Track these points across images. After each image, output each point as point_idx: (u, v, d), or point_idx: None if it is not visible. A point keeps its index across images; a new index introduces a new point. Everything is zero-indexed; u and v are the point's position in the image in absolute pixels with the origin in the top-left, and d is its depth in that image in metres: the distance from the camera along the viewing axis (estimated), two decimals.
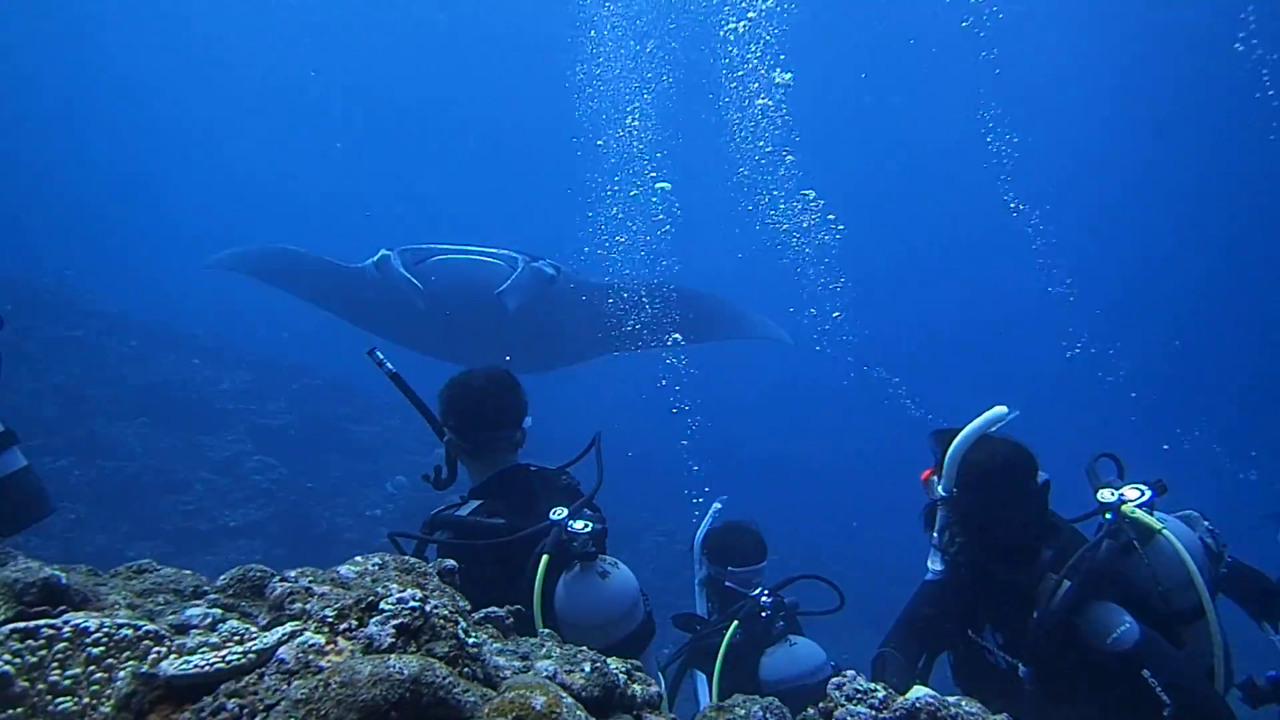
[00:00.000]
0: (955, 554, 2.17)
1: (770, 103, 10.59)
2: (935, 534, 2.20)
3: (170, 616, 1.50)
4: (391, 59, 28.37)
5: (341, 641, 1.17)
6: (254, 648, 1.16)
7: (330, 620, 1.20)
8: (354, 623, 1.20)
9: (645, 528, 12.51)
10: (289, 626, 1.20)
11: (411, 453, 13.23)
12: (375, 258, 7.38)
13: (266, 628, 1.42)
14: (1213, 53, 16.33)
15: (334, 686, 1.01)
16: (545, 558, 2.05)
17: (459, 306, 7.58)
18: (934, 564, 2.22)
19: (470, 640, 1.23)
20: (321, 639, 1.17)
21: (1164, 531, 2.17)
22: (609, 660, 1.46)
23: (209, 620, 1.49)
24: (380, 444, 13.16)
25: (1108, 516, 2.20)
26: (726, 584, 2.90)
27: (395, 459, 12.80)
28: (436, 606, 1.23)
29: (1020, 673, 2.12)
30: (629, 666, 1.50)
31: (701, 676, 2.77)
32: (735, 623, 2.59)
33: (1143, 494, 2.22)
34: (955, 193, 25.64)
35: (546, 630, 1.72)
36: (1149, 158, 23.03)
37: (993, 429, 2.19)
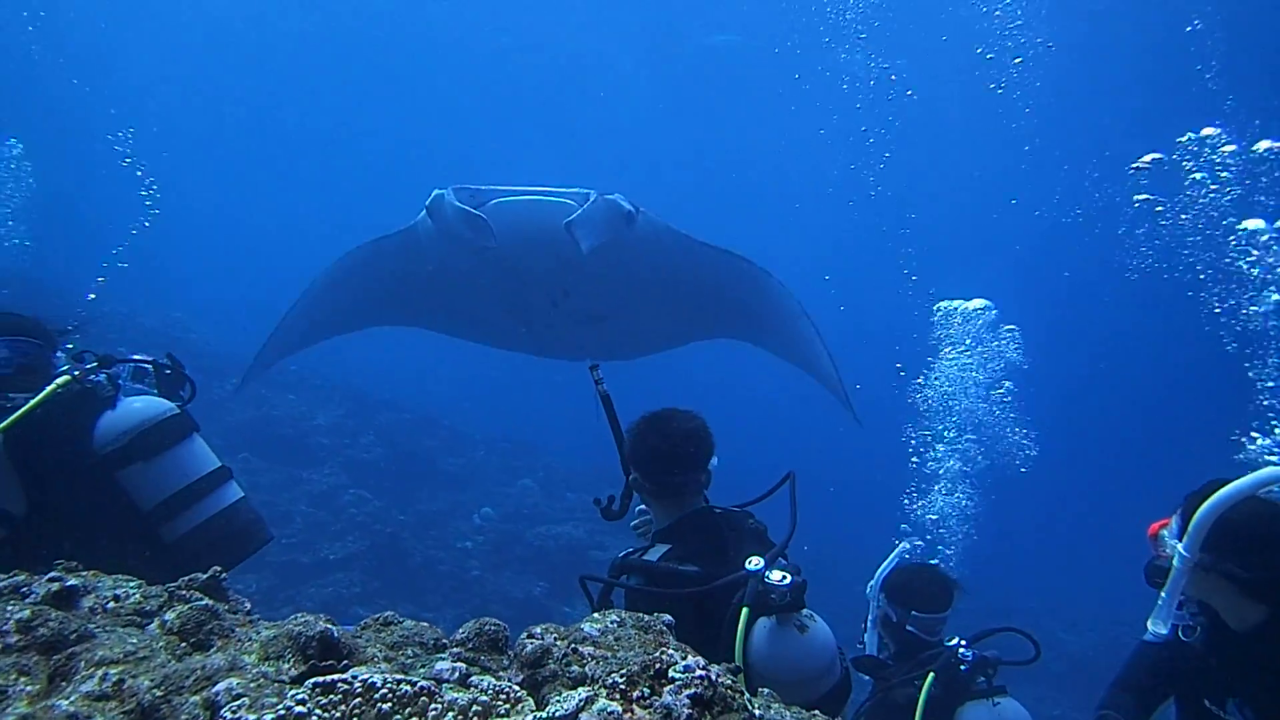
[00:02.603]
0: (1197, 625, 2.05)
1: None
2: (1165, 594, 2.07)
3: (422, 669, 1.54)
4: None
5: (638, 710, 1.17)
6: (556, 714, 1.17)
7: (622, 687, 1.21)
8: (646, 690, 1.20)
9: None
10: (582, 692, 1.21)
11: (498, 483, 13.47)
12: (427, 201, 5.95)
13: (526, 685, 1.44)
14: None
15: None
16: (745, 610, 2.03)
17: (526, 259, 6.10)
18: (1156, 626, 2.09)
19: (757, 711, 1.22)
20: (619, 707, 1.17)
21: None
22: None
23: (457, 675, 1.52)
24: (467, 476, 13.41)
25: None
26: (908, 628, 2.81)
27: (482, 490, 13.02)
28: (720, 674, 1.22)
29: None
30: None
31: None
32: (931, 675, 2.50)
33: None
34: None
35: (767, 690, 1.70)
36: None
37: (1261, 491, 1.99)
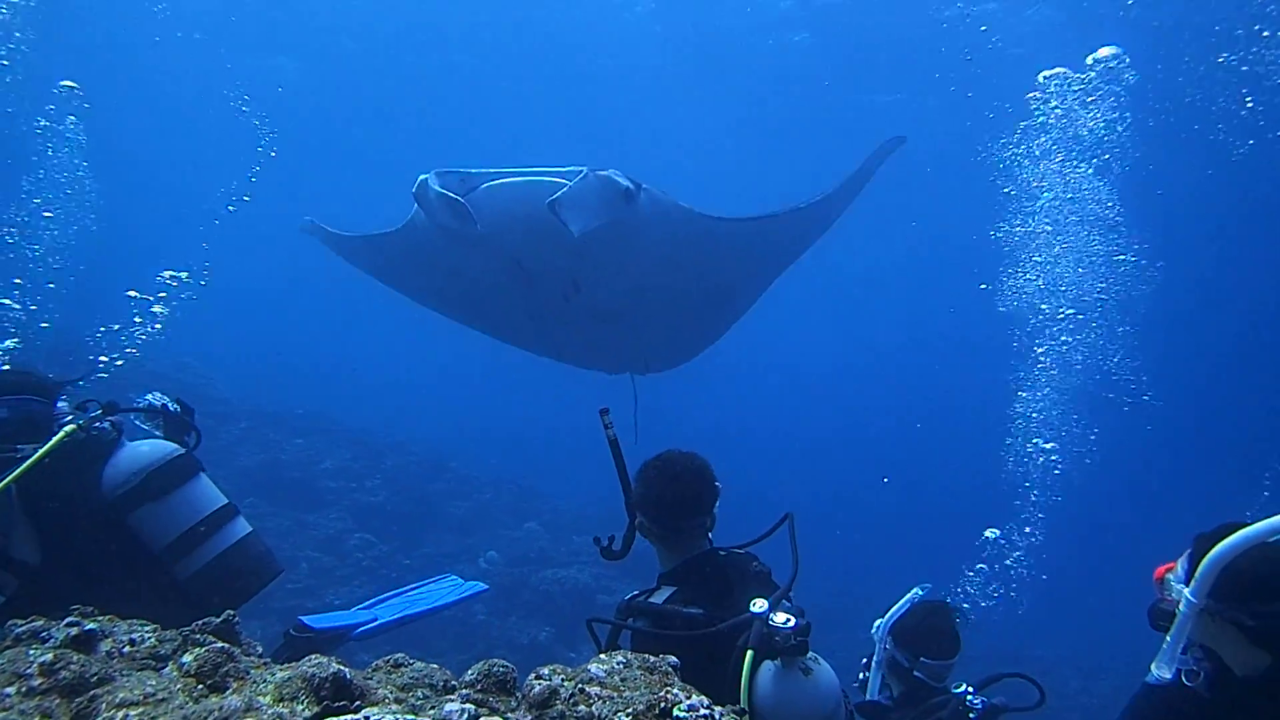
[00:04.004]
0: (1201, 670, 2.05)
1: None
2: (1169, 639, 2.07)
3: (431, 711, 1.57)
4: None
5: None
6: None
7: None
8: None
9: None
10: None
11: (504, 527, 13.41)
12: (414, 188, 5.33)
13: None
14: None
15: None
16: (750, 653, 2.05)
17: (524, 248, 5.53)
18: (1160, 670, 2.09)
19: None
20: None
21: None
22: None
23: (466, 715, 1.55)
24: (473, 519, 13.37)
25: None
26: (916, 674, 2.80)
27: (488, 534, 12.97)
28: (724, 715, 1.26)
29: None
30: None
31: None
32: None
33: None
34: None
35: None
36: None
37: (1272, 538, 1.96)
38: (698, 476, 2.48)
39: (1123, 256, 11.08)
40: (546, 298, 6.24)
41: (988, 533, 7.80)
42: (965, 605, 2.93)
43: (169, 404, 3.38)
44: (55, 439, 2.61)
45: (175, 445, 2.94)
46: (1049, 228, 10.63)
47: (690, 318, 7.26)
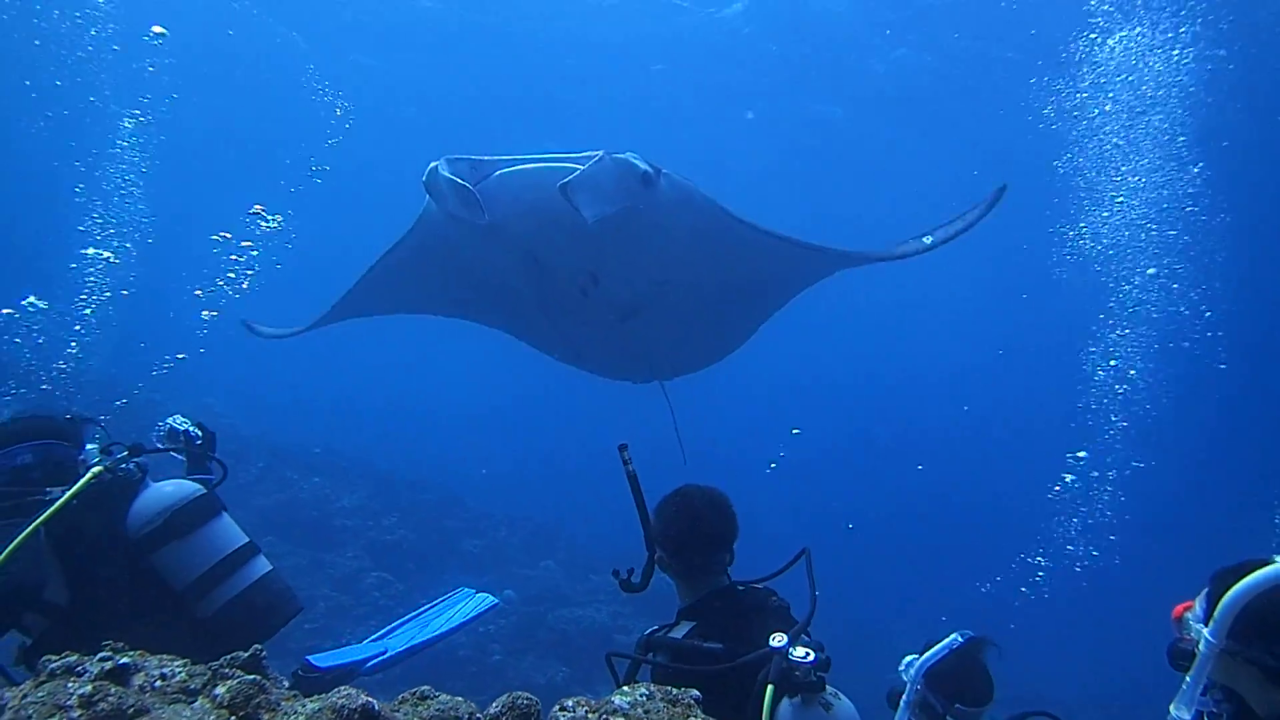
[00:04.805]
0: (1222, 712, 2.02)
1: None
2: (1189, 679, 2.05)
3: None
4: None
5: None
6: None
7: None
8: None
9: None
10: None
11: (520, 565, 13.36)
12: (424, 177, 5.00)
13: None
14: None
15: None
16: (770, 688, 2.05)
17: (537, 238, 5.22)
18: (1180, 711, 2.06)
19: None
20: None
21: None
22: None
23: None
24: (489, 557, 13.33)
25: None
26: (948, 718, 2.76)
27: (503, 572, 12.91)
28: None
29: None
30: None
31: None
32: None
33: None
34: None
35: None
36: None
37: None
38: (718, 514, 2.51)
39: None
40: (563, 293, 5.88)
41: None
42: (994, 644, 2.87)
43: (190, 429, 3.45)
44: (82, 482, 2.68)
45: (197, 485, 3.00)
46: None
47: (715, 316, 6.78)
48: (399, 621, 3.59)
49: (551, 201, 4.67)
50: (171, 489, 2.92)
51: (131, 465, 2.89)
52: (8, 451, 2.79)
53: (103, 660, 1.94)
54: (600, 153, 4.76)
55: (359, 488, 13.93)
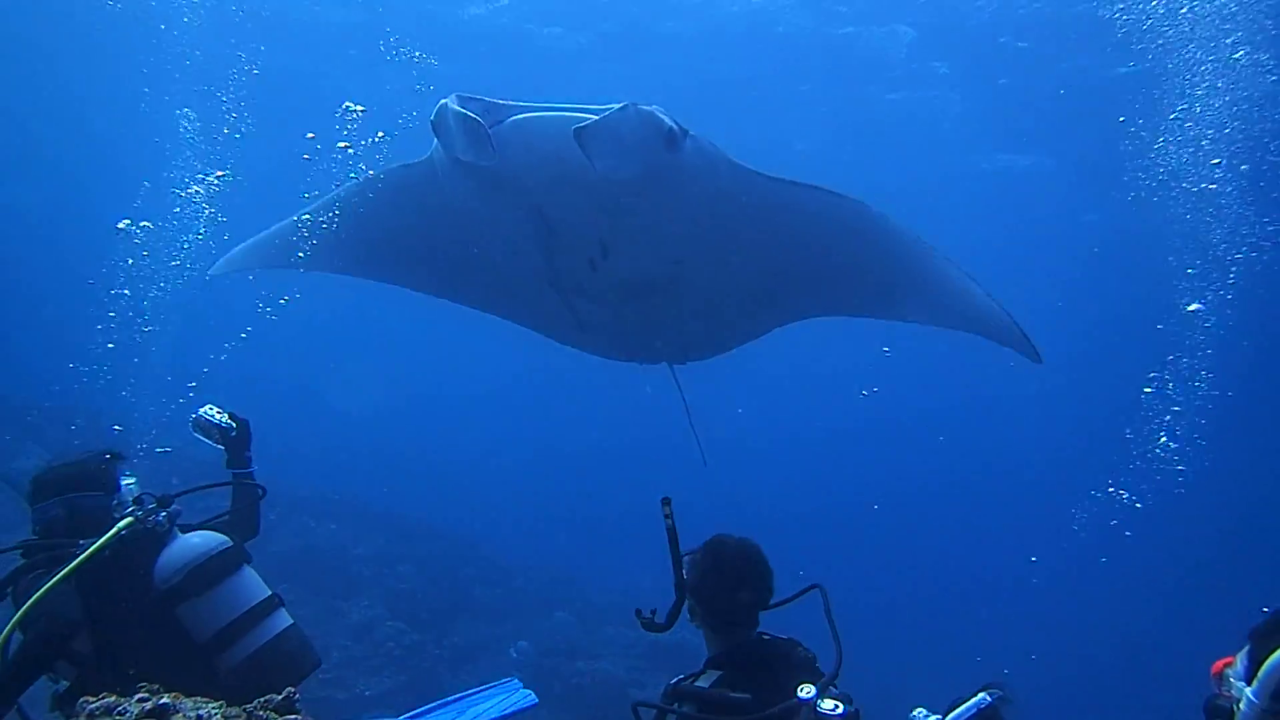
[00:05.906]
0: None
1: None
2: None
3: None
4: None
5: None
6: None
7: None
8: None
9: None
10: None
11: (534, 615, 13.23)
12: (431, 116, 4.52)
13: None
14: None
15: None
16: None
17: (548, 193, 4.72)
18: None
19: None
20: None
21: None
22: None
23: None
24: (504, 607, 13.24)
25: None
26: None
27: (518, 623, 12.80)
28: None
29: None
30: None
31: None
32: None
33: None
34: None
35: None
36: None
37: None
38: (753, 571, 2.53)
39: None
40: (568, 261, 5.35)
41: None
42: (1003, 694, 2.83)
43: (225, 422, 3.50)
44: (108, 535, 2.73)
45: (223, 537, 3.05)
46: None
47: (734, 297, 6.05)
48: (433, 706, 3.55)
49: (567, 154, 4.26)
50: (198, 540, 2.98)
51: (161, 516, 2.94)
52: (41, 507, 2.90)
53: (141, 700, 2.02)
54: (625, 104, 4.31)
55: (376, 534, 13.96)
